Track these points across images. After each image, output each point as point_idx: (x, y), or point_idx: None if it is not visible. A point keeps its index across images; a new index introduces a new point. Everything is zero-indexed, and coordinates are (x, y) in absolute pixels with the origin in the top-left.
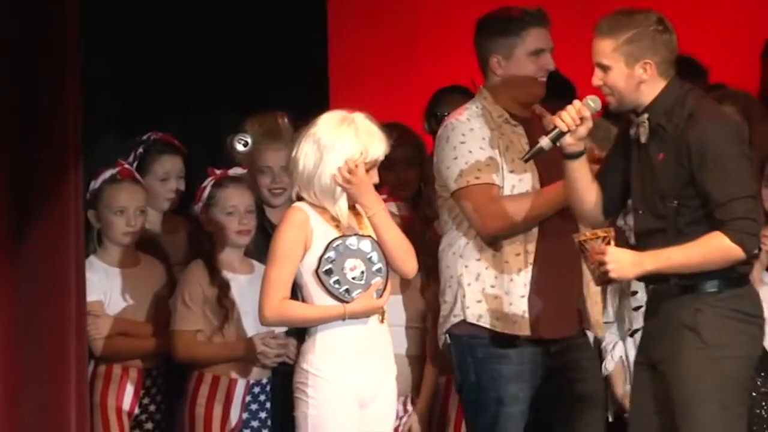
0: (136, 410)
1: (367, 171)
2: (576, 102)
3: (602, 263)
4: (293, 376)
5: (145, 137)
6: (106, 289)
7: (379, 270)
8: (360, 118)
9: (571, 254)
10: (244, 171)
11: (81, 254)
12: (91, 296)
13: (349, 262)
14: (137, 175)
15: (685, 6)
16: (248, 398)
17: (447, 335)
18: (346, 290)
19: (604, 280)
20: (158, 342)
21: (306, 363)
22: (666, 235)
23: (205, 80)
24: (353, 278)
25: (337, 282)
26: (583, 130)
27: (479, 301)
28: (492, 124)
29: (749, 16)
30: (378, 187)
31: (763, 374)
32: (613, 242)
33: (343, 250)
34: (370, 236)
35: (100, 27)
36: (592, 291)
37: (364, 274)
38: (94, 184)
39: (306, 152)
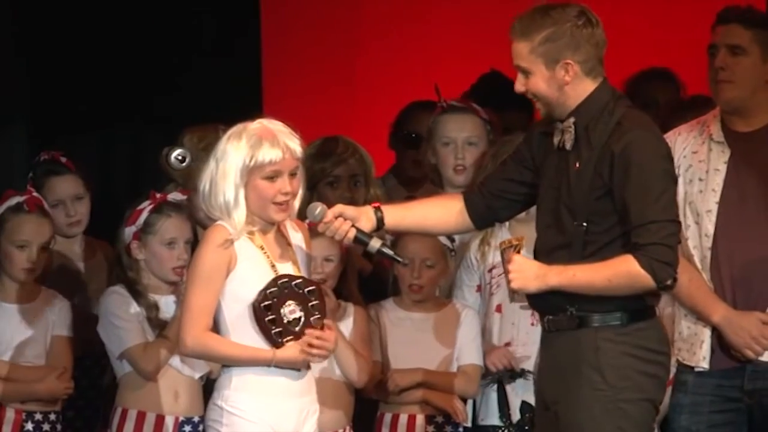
0: None
1: (272, 179)
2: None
3: (507, 272)
4: (206, 413)
5: (39, 158)
6: None
7: (318, 319)
8: (254, 125)
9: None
10: (183, 197)
11: None
12: None
13: (289, 304)
14: (46, 206)
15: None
16: None
17: None
18: (279, 333)
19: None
20: (49, 386)
21: (220, 399)
22: (570, 250)
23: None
24: (289, 322)
25: (272, 321)
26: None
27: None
28: (697, 142)
29: None
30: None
31: None
32: (523, 250)
33: (287, 290)
34: (317, 284)
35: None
36: None
37: (301, 321)
38: None
39: (206, 171)
